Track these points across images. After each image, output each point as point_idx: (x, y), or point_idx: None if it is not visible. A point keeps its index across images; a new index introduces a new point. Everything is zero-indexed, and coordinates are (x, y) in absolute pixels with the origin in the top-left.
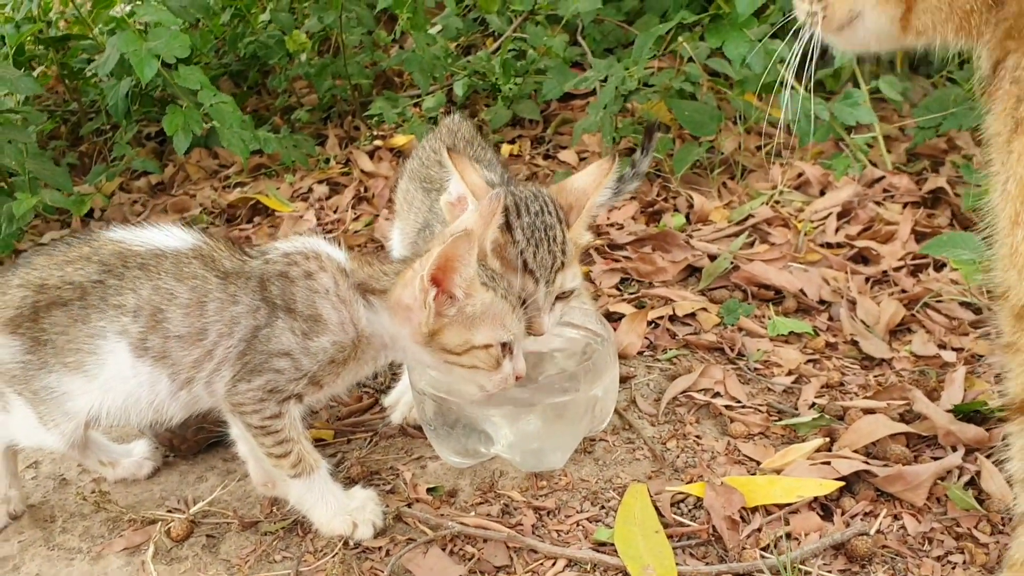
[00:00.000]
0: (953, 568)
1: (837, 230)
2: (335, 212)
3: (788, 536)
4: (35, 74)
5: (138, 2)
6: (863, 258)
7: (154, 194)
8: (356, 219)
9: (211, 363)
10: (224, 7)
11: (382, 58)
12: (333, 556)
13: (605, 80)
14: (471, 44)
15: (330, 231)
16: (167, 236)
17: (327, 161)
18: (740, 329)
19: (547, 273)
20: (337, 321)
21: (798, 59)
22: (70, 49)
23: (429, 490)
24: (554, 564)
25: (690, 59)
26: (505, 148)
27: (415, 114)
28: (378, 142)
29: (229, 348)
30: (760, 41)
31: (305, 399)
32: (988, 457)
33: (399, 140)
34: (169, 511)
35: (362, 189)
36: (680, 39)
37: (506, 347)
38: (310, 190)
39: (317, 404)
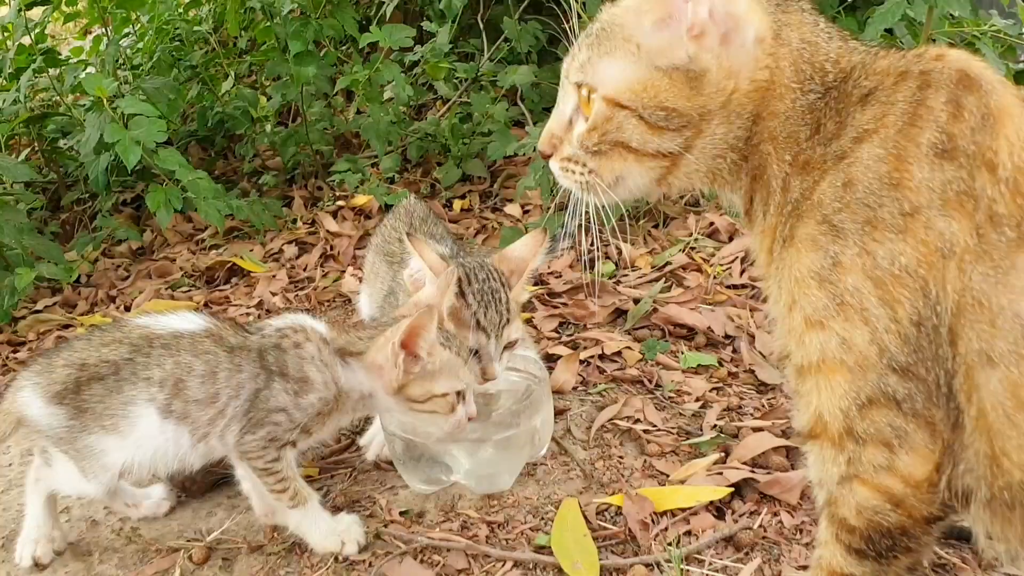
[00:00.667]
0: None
1: (742, 272)
2: (304, 270)
3: (688, 533)
4: (22, 155)
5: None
6: (763, 297)
7: (136, 259)
8: (324, 275)
9: (223, 420)
10: (190, 79)
11: (340, 123)
12: (327, 569)
13: None
14: (421, 104)
15: (302, 288)
16: (183, 321)
17: (294, 222)
18: (658, 363)
19: (496, 328)
20: (321, 381)
21: (601, 208)
22: (45, 125)
23: (401, 513)
24: (503, 565)
25: None
26: (457, 203)
27: (373, 174)
28: (340, 203)
29: (236, 407)
30: None
31: (299, 445)
32: None
33: (360, 200)
34: (188, 540)
35: (328, 248)
36: None
37: (460, 395)
38: (281, 251)
39: (308, 448)
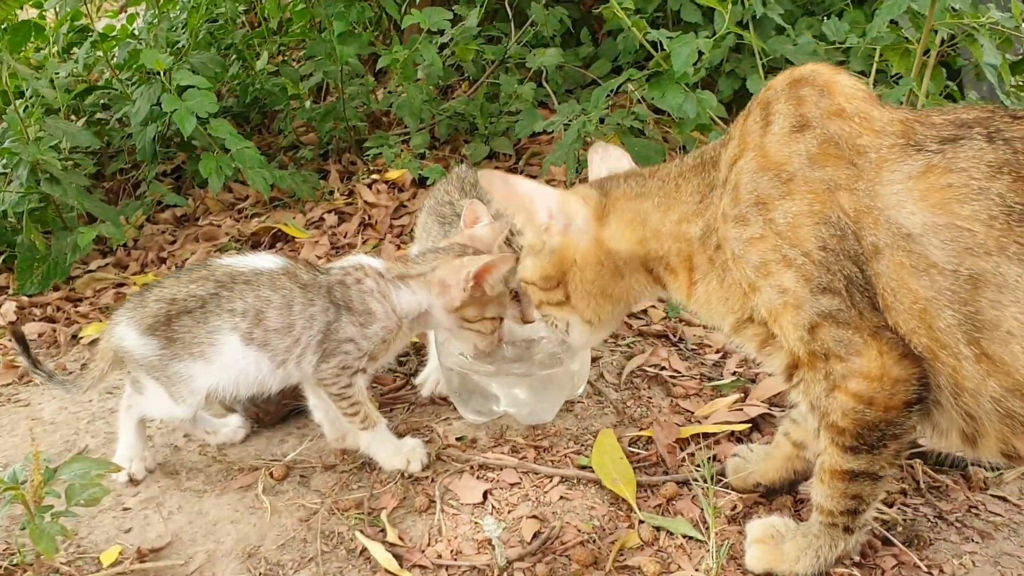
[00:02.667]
0: None
1: None
2: (345, 237)
3: (713, 458)
4: (80, 123)
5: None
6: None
7: (180, 225)
8: (364, 243)
9: (299, 348)
10: (233, 57)
11: (373, 101)
12: (395, 483)
13: (568, 123)
14: (448, 86)
15: (343, 253)
16: (263, 260)
17: (331, 193)
18: (680, 320)
19: None
20: (383, 312)
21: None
22: (89, 98)
23: (457, 439)
24: (551, 480)
25: (639, 101)
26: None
27: (404, 151)
28: (375, 176)
29: (310, 337)
30: (693, 90)
31: (368, 370)
32: None
33: (393, 174)
34: (268, 461)
35: (366, 217)
36: (630, 87)
37: (501, 321)
38: (321, 219)
39: (375, 372)
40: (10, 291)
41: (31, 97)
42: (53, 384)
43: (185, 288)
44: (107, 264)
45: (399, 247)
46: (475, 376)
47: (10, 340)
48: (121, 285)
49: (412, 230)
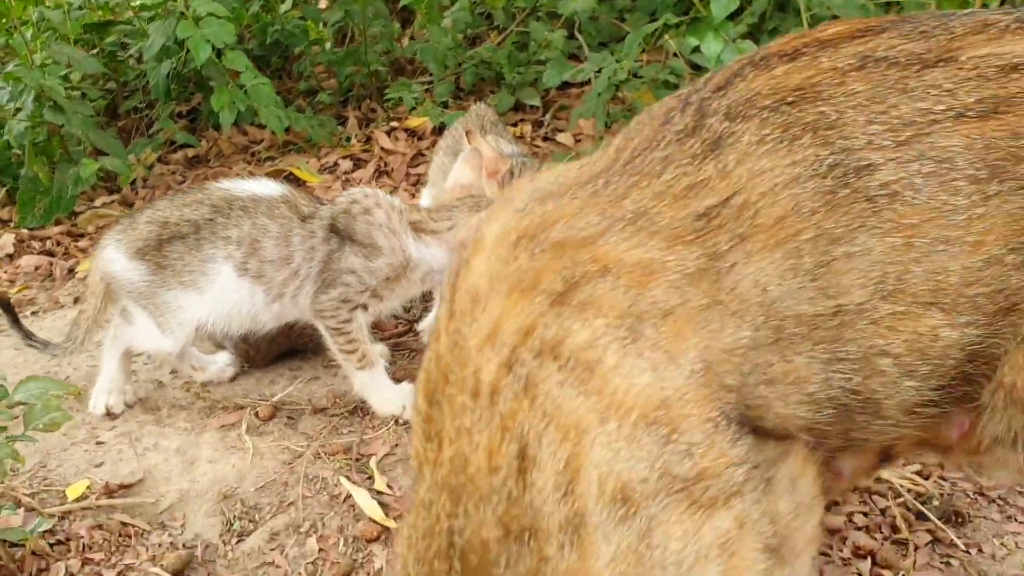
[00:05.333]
0: None
1: None
2: (359, 184)
3: None
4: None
5: None
6: None
7: (191, 166)
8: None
9: (296, 281)
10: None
11: (396, 47)
12: (387, 430)
13: (599, 72)
14: (476, 35)
15: None
16: (261, 187)
17: (348, 139)
18: None
19: None
20: (389, 247)
21: None
22: (108, 33)
23: None
24: None
25: (675, 54)
26: (509, 131)
27: (427, 99)
28: (394, 123)
29: (310, 268)
30: (733, 41)
31: (370, 309)
32: None
33: (413, 122)
34: (254, 400)
35: (383, 164)
36: (666, 36)
37: None
38: (336, 164)
39: (379, 315)
40: (12, 224)
41: (39, 22)
42: (49, 352)
43: (179, 211)
44: (112, 201)
45: (413, 196)
46: None
47: None
48: None
49: (424, 176)
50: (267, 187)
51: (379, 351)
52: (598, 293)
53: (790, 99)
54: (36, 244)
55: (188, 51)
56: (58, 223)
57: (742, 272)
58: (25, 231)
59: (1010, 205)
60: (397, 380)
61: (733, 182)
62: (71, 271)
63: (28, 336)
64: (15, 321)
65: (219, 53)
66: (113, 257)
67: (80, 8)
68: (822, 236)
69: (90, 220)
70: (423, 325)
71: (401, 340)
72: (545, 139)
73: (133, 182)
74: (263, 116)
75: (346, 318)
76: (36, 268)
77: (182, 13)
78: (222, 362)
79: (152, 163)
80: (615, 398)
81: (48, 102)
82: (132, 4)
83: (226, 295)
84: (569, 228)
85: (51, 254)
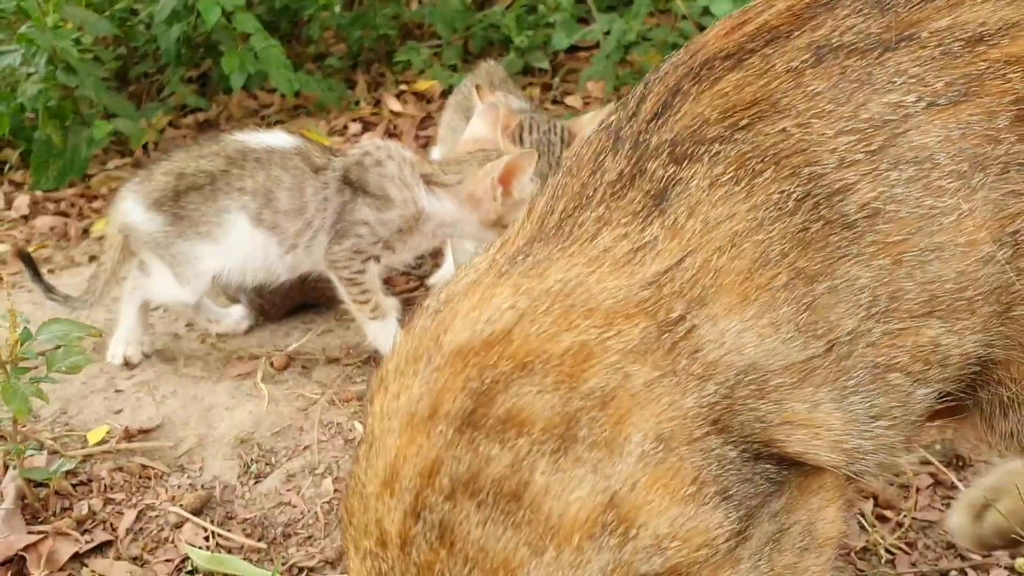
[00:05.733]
0: None
1: None
2: None
3: None
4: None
5: None
6: None
7: (202, 130)
8: None
9: (310, 232)
10: None
11: (405, 11)
12: None
13: (608, 33)
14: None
15: None
16: (276, 139)
17: (357, 103)
18: None
19: (545, 177)
20: (401, 199)
21: None
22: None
23: None
24: None
25: (684, 16)
26: (518, 88)
27: (436, 62)
28: (403, 86)
29: (323, 220)
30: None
31: (382, 260)
32: None
33: (422, 85)
34: (269, 352)
35: (392, 127)
36: None
37: None
38: (345, 127)
39: (392, 267)
40: (26, 187)
41: None
42: (69, 306)
43: (195, 163)
44: (125, 164)
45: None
46: None
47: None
48: None
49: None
50: (281, 139)
51: (392, 302)
52: (520, 401)
53: (744, 122)
54: (51, 205)
55: (198, 15)
56: (72, 185)
57: (705, 336)
58: (39, 193)
59: (996, 193)
60: None
61: (685, 240)
62: (85, 231)
63: (48, 289)
64: (36, 275)
65: (229, 17)
66: (131, 208)
67: None
68: (798, 278)
69: (103, 183)
70: (434, 279)
71: (412, 295)
72: (555, 102)
73: (145, 146)
74: (273, 78)
75: (359, 269)
76: (51, 228)
77: None
78: (237, 315)
79: (163, 127)
80: (549, 524)
81: (61, 63)
82: None
83: (241, 245)
84: (470, 326)
85: (65, 215)
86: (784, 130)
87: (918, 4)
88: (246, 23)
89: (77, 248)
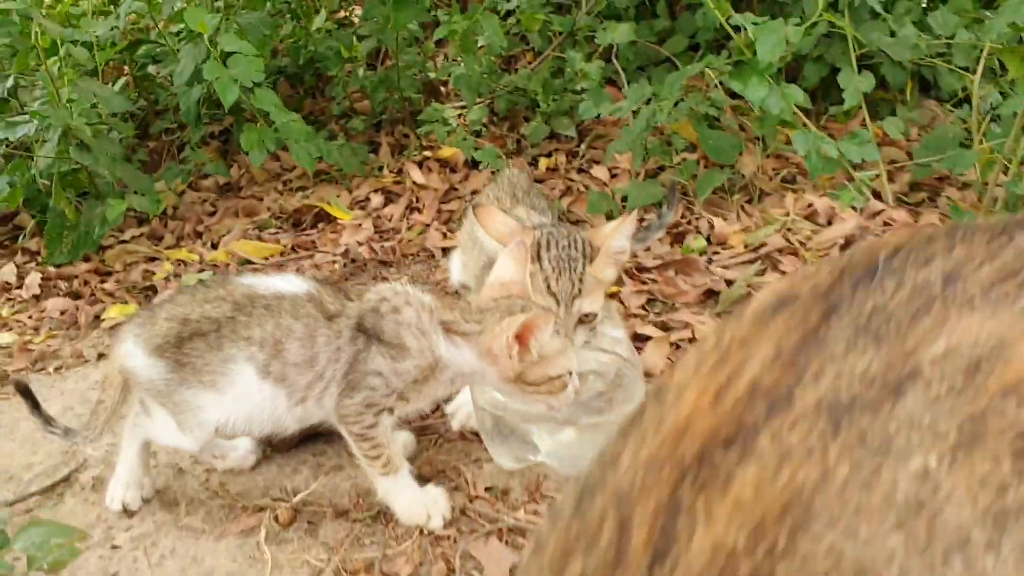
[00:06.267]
0: None
1: None
2: (390, 221)
3: None
4: (117, 85)
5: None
6: None
7: (222, 194)
8: (409, 228)
9: (321, 384)
10: (281, 12)
11: (430, 69)
12: (412, 542)
13: (637, 110)
14: (511, 55)
15: (387, 239)
16: (286, 282)
17: (380, 169)
18: None
19: (567, 298)
20: (418, 348)
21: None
22: (137, 51)
23: (486, 489)
24: None
25: (716, 85)
26: (543, 162)
27: (460, 125)
28: (427, 153)
29: (335, 372)
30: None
31: (396, 411)
32: None
33: (446, 152)
34: (274, 500)
35: (414, 199)
36: (707, 68)
37: (571, 373)
38: (367, 199)
39: (405, 416)
40: (40, 258)
41: (64, 57)
42: (69, 440)
43: (200, 308)
44: (141, 235)
45: (445, 235)
46: (511, 418)
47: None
48: (153, 259)
49: (460, 218)
50: (292, 283)
51: (403, 440)
52: None
53: (781, 543)
54: (63, 284)
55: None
56: (86, 259)
57: None
58: (52, 268)
59: None
60: (423, 477)
61: None
62: (97, 317)
63: (48, 422)
64: (35, 407)
65: (251, 87)
66: (131, 352)
67: (112, 30)
68: None
69: (118, 256)
70: (450, 408)
71: (426, 423)
72: (580, 171)
73: (164, 211)
74: (294, 153)
75: (371, 423)
76: (62, 312)
77: (208, 51)
78: (243, 449)
79: (183, 190)
80: None
81: (75, 140)
82: (155, 20)
83: (247, 397)
84: None
85: (77, 296)
86: (832, 548)
87: (908, 325)
88: (265, 100)
89: (86, 339)
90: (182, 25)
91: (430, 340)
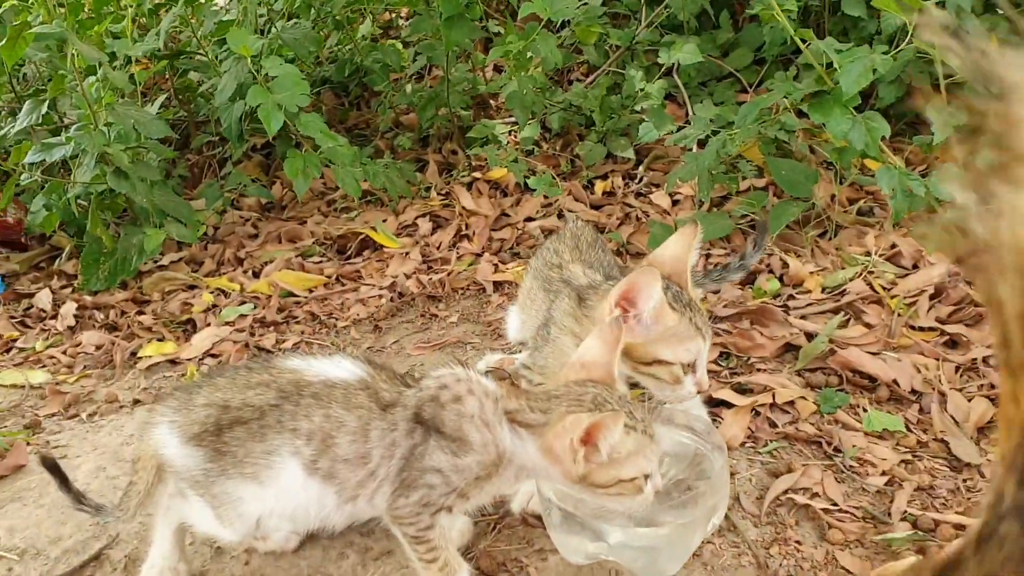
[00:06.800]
0: None
1: (929, 310)
2: (438, 249)
3: None
4: (157, 103)
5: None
6: (953, 343)
7: (264, 213)
8: (459, 258)
9: (374, 482)
10: (325, 20)
11: (479, 82)
12: None
13: (705, 139)
14: (567, 68)
15: (435, 272)
16: (337, 368)
17: (428, 189)
18: (835, 420)
19: (707, 328)
20: (480, 442)
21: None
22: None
23: None
24: None
25: (787, 108)
26: (599, 185)
27: (511, 142)
28: (476, 174)
29: (389, 468)
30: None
31: (454, 510)
32: None
33: (496, 173)
34: None
35: (463, 226)
36: (785, 100)
37: (648, 476)
38: (415, 224)
39: (464, 513)
40: (76, 283)
41: (102, 79)
42: (100, 517)
43: (241, 394)
44: (180, 259)
45: (496, 267)
46: (581, 515)
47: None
48: (192, 287)
49: (511, 247)
50: (344, 369)
51: (460, 526)
52: None
53: None
54: (99, 315)
55: None
56: (123, 285)
57: None
58: (88, 297)
59: None
60: (482, 572)
61: None
62: (133, 354)
63: (79, 499)
64: (64, 483)
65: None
66: (166, 441)
67: (151, 49)
68: None
69: (156, 284)
70: (516, 505)
71: (488, 519)
72: (638, 195)
73: (206, 234)
74: (338, 179)
75: (427, 524)
76: (97, 347)
77: (253, 77)
78: (287, 529)
79: (225, 209)
80: None
81: (111, 167)
82: (198, 36)
83: (292, 493)
84: None
85: (113, 327)
86: None
87: None
88: (310, 126)
89: (122, 381)
90: (224, 35)
91: (494, 433)
